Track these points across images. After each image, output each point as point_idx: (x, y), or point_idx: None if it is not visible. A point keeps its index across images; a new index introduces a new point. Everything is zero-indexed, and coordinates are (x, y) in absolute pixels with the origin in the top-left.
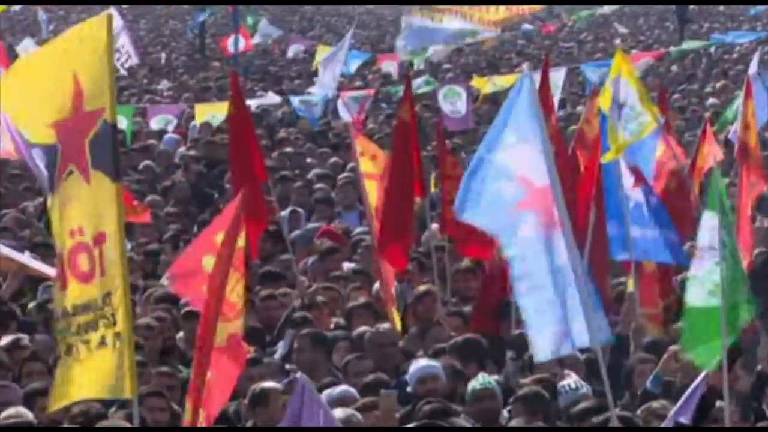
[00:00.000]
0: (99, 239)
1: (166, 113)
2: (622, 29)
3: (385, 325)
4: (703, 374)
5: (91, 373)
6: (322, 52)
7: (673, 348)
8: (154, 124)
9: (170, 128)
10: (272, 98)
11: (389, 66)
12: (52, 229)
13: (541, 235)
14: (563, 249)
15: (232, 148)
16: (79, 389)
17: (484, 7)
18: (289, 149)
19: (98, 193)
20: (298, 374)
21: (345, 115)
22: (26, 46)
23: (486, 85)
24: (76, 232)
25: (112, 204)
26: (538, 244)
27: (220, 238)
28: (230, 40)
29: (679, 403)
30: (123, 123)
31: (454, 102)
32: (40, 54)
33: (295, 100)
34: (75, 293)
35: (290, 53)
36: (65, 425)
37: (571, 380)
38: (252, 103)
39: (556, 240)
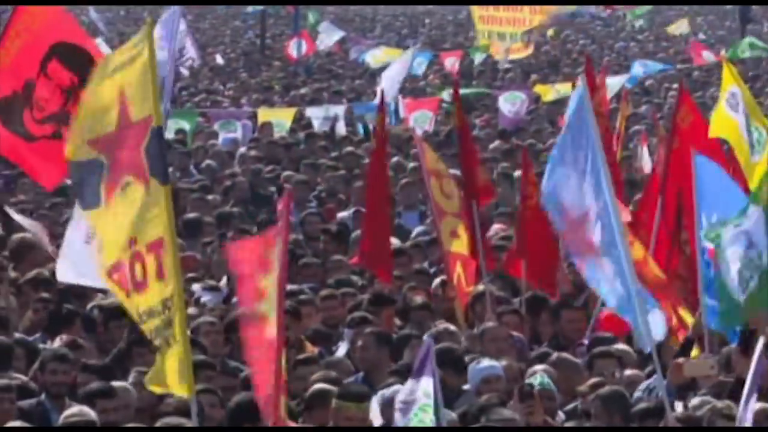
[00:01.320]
0: (156, 245)
1: (230, 117)
2: (683, 28)
3: (443, 325)
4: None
5: (166, 373)
6: (388, 54)
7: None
8: (218, 127)
9: (237, 134)
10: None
11: (451, 62)
12: (101, 241)
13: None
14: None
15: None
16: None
17: (545, 8)
18: (350, 149)
19: (153, 199)
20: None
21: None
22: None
23: (549, 92)
24: (132, 243)
25: (164, 207)
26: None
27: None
28: (292, 43)
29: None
30: (185, 124)
31: (514, 103)
32: (93, 75)
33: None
34: (138, 302)
35: (353, 54)
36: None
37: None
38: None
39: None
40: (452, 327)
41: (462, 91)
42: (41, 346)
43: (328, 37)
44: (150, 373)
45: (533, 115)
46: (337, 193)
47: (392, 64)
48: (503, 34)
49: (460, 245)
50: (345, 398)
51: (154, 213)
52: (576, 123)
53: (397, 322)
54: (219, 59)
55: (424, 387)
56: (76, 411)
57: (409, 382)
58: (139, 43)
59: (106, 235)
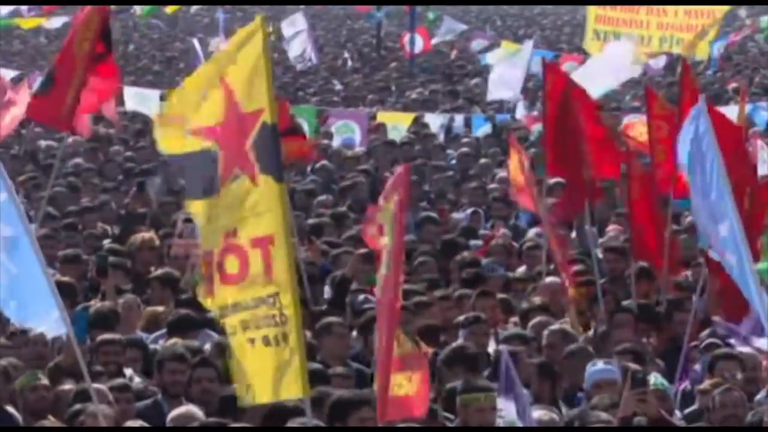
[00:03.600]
0: (264, 241)
1: (348, 119)
2: None
3: (561, 327)
4: None
5: (260, 373)
6: (506, 48)
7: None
8: (335, 129)
9: (354, 135)
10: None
11: (571, 67)
12: (200, 229)
13: None
14: None
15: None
16: (254, 391)
17: (662, 8)
18: (466, 149)
19: (265, 195)
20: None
21: (521, 116)
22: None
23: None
24: (230, 234)
25: (278, 205)
26: None
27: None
28: (407, 40)
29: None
30: (304, 124)
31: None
32: (202, 67)
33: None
34: (225, 293)
35: (474, 47)
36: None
37: None
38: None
39: None
40: (569, 328)
41: None
42: (154, 346)
43: (449, 31)
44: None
45: None
46: (446, 194)
47: (506, 62)
48: (618, 34)
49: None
50: (470, 391)
51: (263, 209)
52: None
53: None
54: (347, 58)
55: (505, 411)
56: (183, 411)
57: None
58: (250, 37)
59: (207, 224)
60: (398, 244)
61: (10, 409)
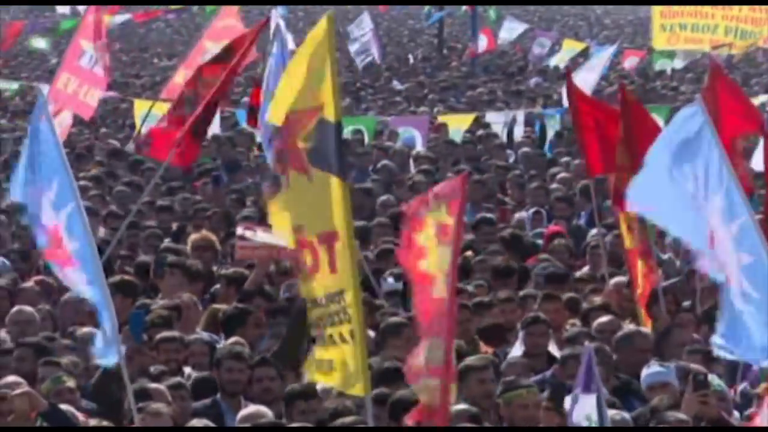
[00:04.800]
0: (328, 237)
1: (408, 125)
2: None
3: (632, 327)
4: None
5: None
6: (568, 47)
7: None
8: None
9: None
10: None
11: (632, 62)
12: (275, 221)
13: None
14: None
15: None
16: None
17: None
18: (527, 149)
19: (324, 192)
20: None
21: None
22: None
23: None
24: (297, 230)
25: (340, 203)
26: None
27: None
28: (471, 41)
29: None
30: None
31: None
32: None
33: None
34: (310, 287)
35: (536, 49)
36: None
37: None
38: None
39: None
40: (643, 329)
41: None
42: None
43: (512, 30)
44: (311, 363)
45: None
46: (508, 194)
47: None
48: (684, 25)
49: (633, 240)
50: (512, 389)
51: (323, 205)
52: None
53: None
54: (411, 58)
55: (586, 408)
56: (253, 411)
57: (573, 396)
58: (317, 32)
59: (276, 214)
60: (454, 262)
61: (66, 406)
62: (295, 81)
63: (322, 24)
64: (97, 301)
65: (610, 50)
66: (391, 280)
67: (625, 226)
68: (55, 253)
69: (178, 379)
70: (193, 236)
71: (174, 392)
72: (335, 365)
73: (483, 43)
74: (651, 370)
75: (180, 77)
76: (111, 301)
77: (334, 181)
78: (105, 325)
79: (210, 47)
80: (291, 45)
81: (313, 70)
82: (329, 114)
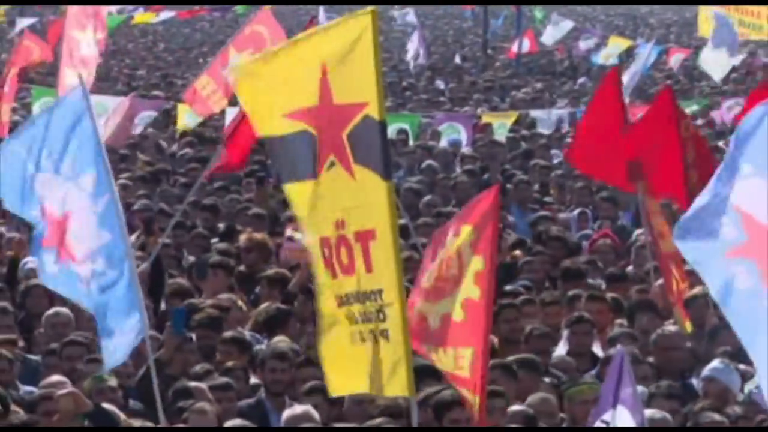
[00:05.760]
0: (365, 235)
1: (453, 122)
2: None
3: (671, 327)
4: None
5: (357, 366)
6: (614, 43)
7: None
8: (441, 129)
9: (460, 135)
10: (556, 112)
11: (677, 60)
12: (303, 215)
13: (762, 289)
14: None
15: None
16: (352, 381)
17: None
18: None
19: (366, 190)
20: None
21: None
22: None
23: None
24: (339, 225)
25: (383, 202)
26: (758, 300)
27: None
28: (515, 41)
29: None
30: (406, 125)
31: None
32: (286, 46)
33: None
34: (344, 283)
35: (582, 44)
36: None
37: None
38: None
39: None
40: (673, 327)
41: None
42: (260, 346)
43: (558, 29)
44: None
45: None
46: (553, 194)
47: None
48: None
49: (668, 244)
50: (574, 386)
51: (363, 203)
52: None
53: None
54: (457, 59)
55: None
56: (300, 411)
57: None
58: (356, 26)
59: (312, 208)
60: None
61: (110, 406)
62: (334, 71)
63: (366, 19)
64: (128, 300)
65: (650, 45)
66: None
67: (658, 229)
68: (52, 243)
69: (225, 379)
70: (243, 237)
71: (221, 393)
72: (363, 364)
73: (525, 44)
74: (710, 366)
75: (201, 83)
76: (142, 299)
77: (378, 180)
78: (130, 325)
79: (233, 56)
80: None
81: (356, 64)
82: (374, 112)
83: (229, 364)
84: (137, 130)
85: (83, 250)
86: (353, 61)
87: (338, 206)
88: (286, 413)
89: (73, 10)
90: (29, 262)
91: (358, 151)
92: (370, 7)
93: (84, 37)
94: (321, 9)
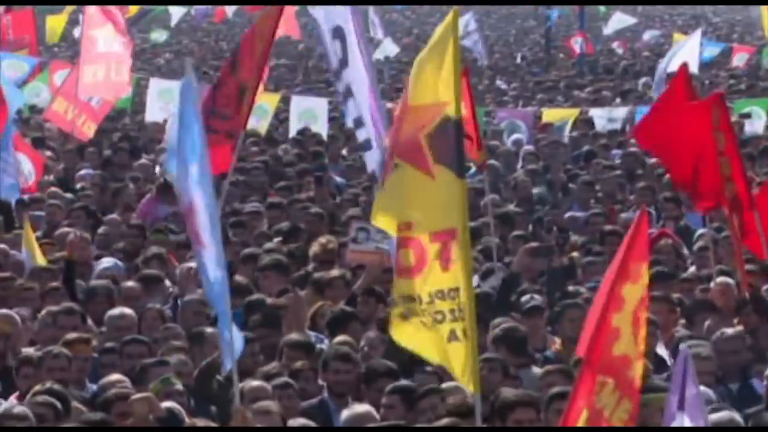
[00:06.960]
0: (446, 235)
1: (515, 117)
2: None
3: (730, 330)
4: None
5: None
6: (678, 40)
7: None
8: (503, 126)
9: (521, 135)
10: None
11: (741, 59)
12: (377, 216)
13: None
14: None
15: None
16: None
17: None
18: (634, 149)
19: (444, 189)
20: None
21: None
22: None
23: None
24: (403, 227)
25: (459, 201)
26: None
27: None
28: (575, 40)
29: None
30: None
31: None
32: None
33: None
34: (401, 285)
35: (646, 36)
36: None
37: None
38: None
39: None
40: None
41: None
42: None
43: (620, 23)
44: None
45: None
46: (614, 194)
47: (677, 49)
48: None
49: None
50: (650, 391)
51: (442, 202)
52: None
53: None
54: (518, 59)
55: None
56: (362, 411)
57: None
58: (442, 27)
59: (380, 209)
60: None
61: (179, 408)
62: (422, 75)
63: (448, 19)
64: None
65: (696, 35)
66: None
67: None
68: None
69: (285, 378)
70: (315, 248)
71: (281, 391)
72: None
73: (578, 45)
74: None
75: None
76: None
77: (455, 179)
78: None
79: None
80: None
81: (436, 65)
82: (452, 111)
83: (298, 364)
84: None
85: (206, 237)
86: (433, 61)
87: (406, 208)
88: (346, 412)
89: (90, 10)
90: (103, 262)
91: (438, 151)
92: (454, 7)
93: (101, 34)
94: (370, 9)
